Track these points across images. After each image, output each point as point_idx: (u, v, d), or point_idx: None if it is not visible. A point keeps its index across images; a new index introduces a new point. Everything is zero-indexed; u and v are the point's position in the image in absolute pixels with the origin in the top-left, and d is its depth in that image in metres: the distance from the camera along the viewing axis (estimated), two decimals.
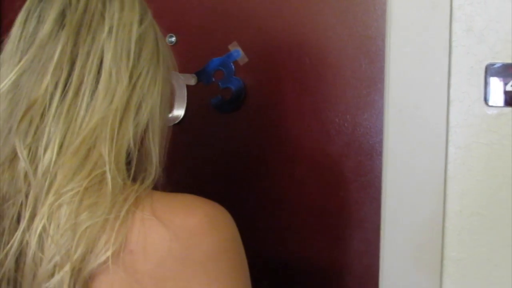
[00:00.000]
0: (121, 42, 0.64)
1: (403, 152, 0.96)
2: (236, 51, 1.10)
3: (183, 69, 1.14)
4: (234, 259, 0.62)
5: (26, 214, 0.57)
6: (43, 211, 0.56)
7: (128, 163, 0.64)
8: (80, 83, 0.61)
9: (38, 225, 0.56)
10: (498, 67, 0.91)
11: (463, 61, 0.93)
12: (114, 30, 0.64)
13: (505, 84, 0.91)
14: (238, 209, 1.12)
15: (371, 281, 1.04)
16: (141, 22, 0.68)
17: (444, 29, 0.92)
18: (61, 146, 0.59)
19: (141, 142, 0.67)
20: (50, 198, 0.57)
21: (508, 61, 0.90)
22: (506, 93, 0.91)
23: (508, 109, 0.91)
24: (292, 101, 1.08)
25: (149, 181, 0.65)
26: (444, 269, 0.97)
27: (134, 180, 0.64)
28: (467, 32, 0.92)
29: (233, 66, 1.11)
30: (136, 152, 0.65)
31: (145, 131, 0.68)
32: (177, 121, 1.14)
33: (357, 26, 1.03)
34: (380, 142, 1.02)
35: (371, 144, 1.04)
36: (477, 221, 0.95)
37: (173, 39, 1.14)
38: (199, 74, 1.13)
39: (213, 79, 1.13)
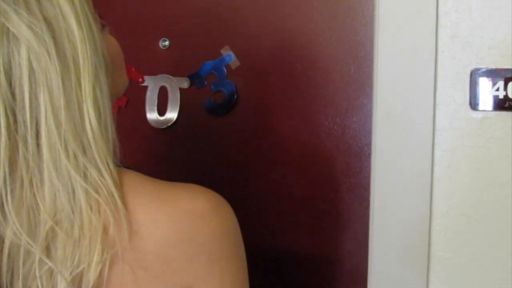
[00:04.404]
0: None
1: (391, 154, 0.98)
2: (228, 55, 1.12)
3: (176, 72, 1.15)
4: (234, 244, 0.64)
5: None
6: None
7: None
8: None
9: None
10: (483, 72, 0.93)
11: (449, 66, 0.95)
12: None
13: (490, 88, 0.93)
14: None
15: (360, 279, 1.06)
16: None
17: (430, 35, 0.94)
18: None
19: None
20: None
21: (492, 66, 0.93)
22: (491, 97, 0.93)
23: (493, 113, 0.94)
24: (283, 104, 1.10)
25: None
26: (431, 268, 0.99)
27: None
28: (453, 38, 0.94)
29: (225, 70, 1.12)
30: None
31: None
32: (170, 124, 1.16)
33: (346, 32, 1.05)
34: (368, 145, 1.04)
35: (360, 146, 1.06)
36: (463, 222, 0.97)
37: (167, 43, 1.15)
38: (192, 78, 1.15)
39: (206, 83, 1.14)
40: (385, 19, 0.96)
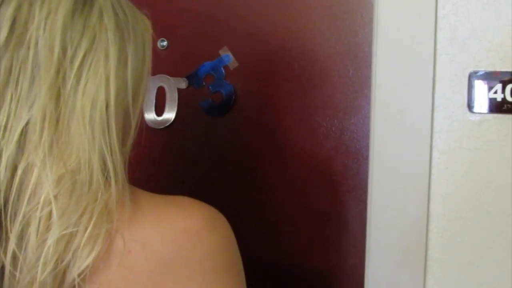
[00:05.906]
0: None
1: (388, 156, 0.98)
2: (227, 55, 1.12)
3: (174, 73, 1.15)
4: (231, 260, 0.63)
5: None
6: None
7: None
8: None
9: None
10: (481, 75, 0.94)
11: (447, 68, 0.95)
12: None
13: (488, 91, 0.93)
14: (226, 211, 1.14)
15: (357, 281, 1.06)
16: None
17: (429, 37, 0.95)
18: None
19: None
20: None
21: (491, 69, 0.93)
22: (489, 100, 0.94)
23: (491, 115, 0.94)
24: (281, 106, 1.10)
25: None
26: (427, 270, 0.99)
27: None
28: (451, 40, 0.95)
29: (223, 71, 1.12)
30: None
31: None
32: (167, 124, 1.16)
33: (345, 33, 1.05)
34: (366, 146, 1.05)
35: (357, 148, 1.06)
36: (460, 224, 0.97)
37: (165, 43, 1.15)
38: (190, 78, 1.15)
39: (204, 83, 1.14)
40: (384, 21, 0.97)
